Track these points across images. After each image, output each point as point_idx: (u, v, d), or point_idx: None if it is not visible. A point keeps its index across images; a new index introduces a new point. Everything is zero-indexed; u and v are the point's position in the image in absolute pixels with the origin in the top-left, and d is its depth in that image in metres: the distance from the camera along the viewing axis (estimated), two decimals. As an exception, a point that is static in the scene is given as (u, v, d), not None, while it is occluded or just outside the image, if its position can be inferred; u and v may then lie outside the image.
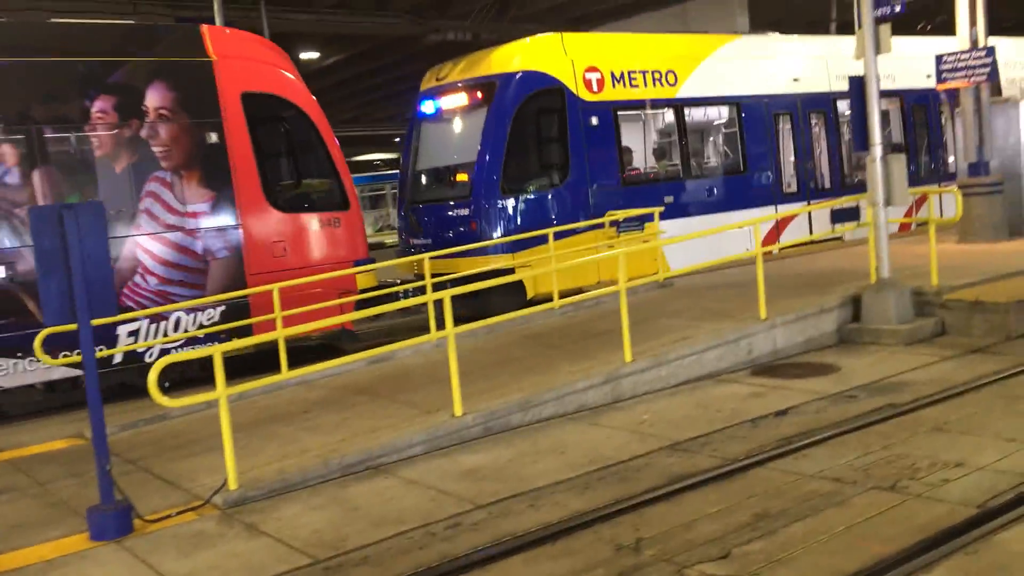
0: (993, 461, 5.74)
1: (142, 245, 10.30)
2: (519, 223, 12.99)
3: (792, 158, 16.32)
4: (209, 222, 10.71)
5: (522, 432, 7.42)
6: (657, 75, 14.35)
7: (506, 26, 22.54)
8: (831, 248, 15.43)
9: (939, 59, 13.74)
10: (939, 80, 13.92)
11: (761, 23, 25.67)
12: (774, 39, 17.10)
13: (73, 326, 5.79)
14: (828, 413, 7.27)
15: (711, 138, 16.09)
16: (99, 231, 5.71)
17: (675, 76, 14.57)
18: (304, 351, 10.96)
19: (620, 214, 13.23)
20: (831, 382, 8.25)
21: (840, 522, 5.05)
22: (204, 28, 11.22)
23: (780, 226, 15.40)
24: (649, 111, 14.57)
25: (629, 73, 14.05)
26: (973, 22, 13.52)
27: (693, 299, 11.18)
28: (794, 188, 16.26)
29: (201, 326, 10.52)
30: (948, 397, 7.32)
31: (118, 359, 10.11)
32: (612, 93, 13.81)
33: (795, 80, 16.16)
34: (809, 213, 15.77)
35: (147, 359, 10.14)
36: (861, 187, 13.93)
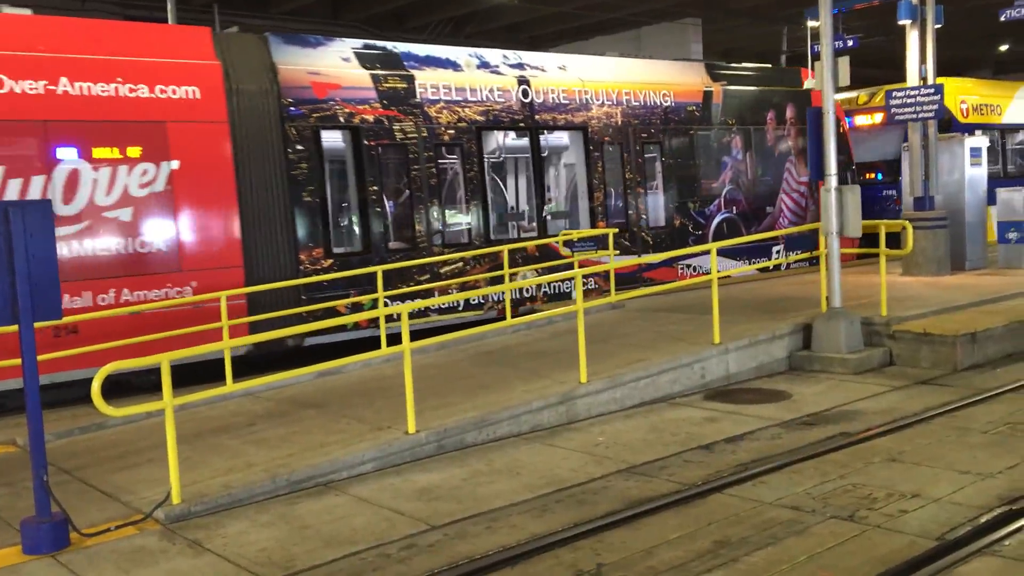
0: (949, 493, 5.77)
1: (782, 200, 16.71)
2: None
3: None
4: (806, 189, 16.95)
5: (476, 451, 7.28)
6: (993, 107, 20.68)
7: (462, 42, 22.45)
8: (781, 276, 15.62)
9: (889, 95, 14.02)
10: (888, 116, 14.21)
11: (713, 51, 26.10)
12: None
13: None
14: (783, 440, 7.27)
15: (1012, 150, 21.64)
16: (47, 230, 5.44)
17: (1000, 108, 20.84)
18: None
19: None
20: (784, 409, 8.28)
21: (802, 551, 5.01)
22: (803, 70, 17.42)
23: None
24: (988, 131, 19.99)
25: (980, 105, 20.30)
26: (923, 60, 13.84)
27: (647, 322, 11.17)
28: None
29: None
30: (900, 427, 7.38)
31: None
32: (972, 118, 19.91)
33: None
34: None
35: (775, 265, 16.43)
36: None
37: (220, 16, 19.51)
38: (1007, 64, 35.85)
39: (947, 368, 9.40)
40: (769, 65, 18.24)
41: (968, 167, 14.31)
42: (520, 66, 13.83)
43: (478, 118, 13.09)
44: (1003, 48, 33.34)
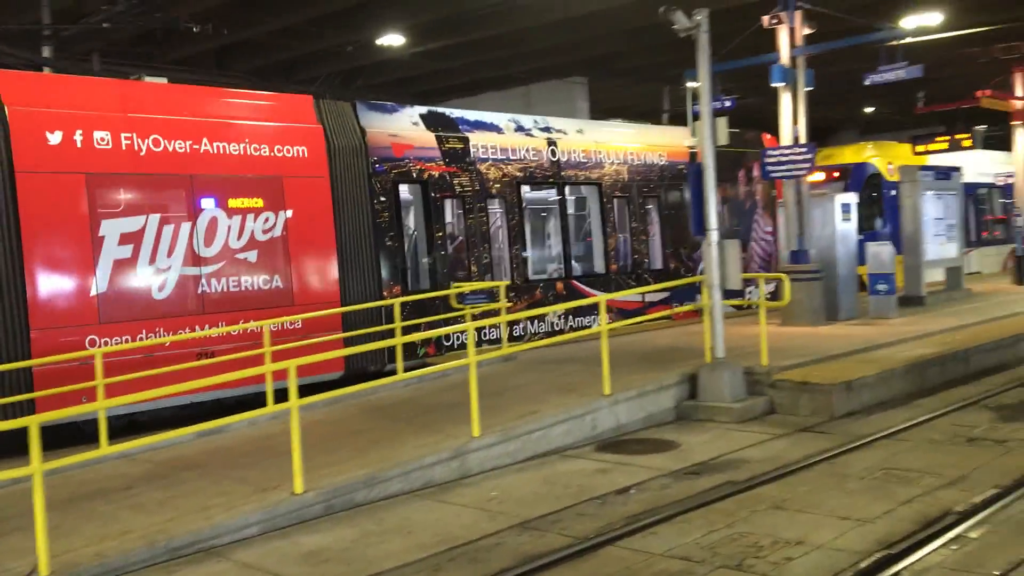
0: (831, 539, 5.94)
1: (753, 248, 18.49)
2: None
3: None
4: (772, 238, 18.80)
5: (366, 510, 7.12)
6: None
7: (352, 95, 22.46)
8: (671, 325, 15.96)
9: (764, 153, 14.66)
10: (764, 174, 14.84)
11: (599, 109, 26.83)
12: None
13: None
14: (672, 490, 7.37)
15: None
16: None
17: None
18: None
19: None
20: (672, 459, 8.41)
21: (692, 602, 5.07)
22: (763, 134, 18.97)
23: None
24: None
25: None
26: (795, 120, 14.54)
27: (540, 373, 11.22)
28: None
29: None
30: (783, 475, 7.58)
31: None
32: (894, 176, 21.02)
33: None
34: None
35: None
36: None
37: (102, 64, 19.02)
38: (874, 124, 38.03)
39: (825, 415, 9.74)
40: (738, 130, 19.45)
41: (839, 222, 15.03)
42: (547, 129, 15.73)
43: (518, 174, 15.01)
44: (869, 110, 35.41)
